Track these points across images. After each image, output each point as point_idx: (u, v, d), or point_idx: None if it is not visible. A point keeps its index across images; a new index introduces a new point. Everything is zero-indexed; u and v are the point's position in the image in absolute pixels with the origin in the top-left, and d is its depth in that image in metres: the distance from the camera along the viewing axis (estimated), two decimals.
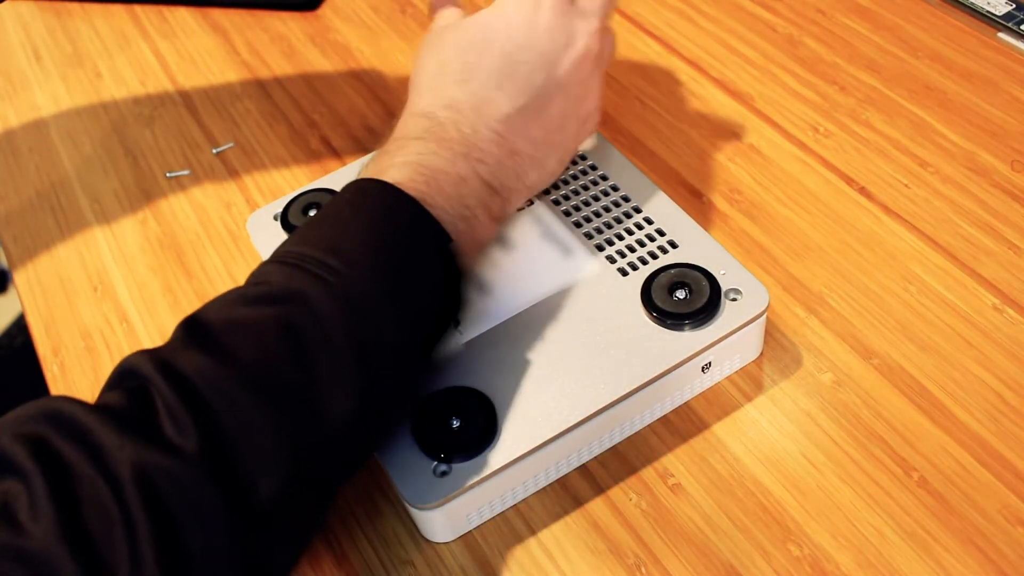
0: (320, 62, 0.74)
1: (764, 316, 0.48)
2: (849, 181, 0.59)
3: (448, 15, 0.52)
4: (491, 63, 0.48)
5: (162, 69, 0.76)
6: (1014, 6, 0.66)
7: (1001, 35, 0.65)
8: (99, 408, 0.36)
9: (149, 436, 0.35)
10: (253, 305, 0.40)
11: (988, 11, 0.66)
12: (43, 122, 0.74)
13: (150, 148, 0.70)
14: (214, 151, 0.68)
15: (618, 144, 0.63)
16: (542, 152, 0.49)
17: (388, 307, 0.41)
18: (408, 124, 0.48)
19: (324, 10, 0.79)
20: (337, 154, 0.67)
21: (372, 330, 0.41)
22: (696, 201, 0.59)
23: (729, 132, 0.63)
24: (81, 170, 0.69)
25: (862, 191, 0.58)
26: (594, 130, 0.53)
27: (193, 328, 0.39)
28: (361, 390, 0.40)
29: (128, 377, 0.38)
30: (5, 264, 0.75)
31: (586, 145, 0.55)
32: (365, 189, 0.45)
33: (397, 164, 0.45)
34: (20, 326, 1.31)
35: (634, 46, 0.70)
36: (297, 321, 0.39)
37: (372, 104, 0.70)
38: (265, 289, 0.41)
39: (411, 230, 0.44)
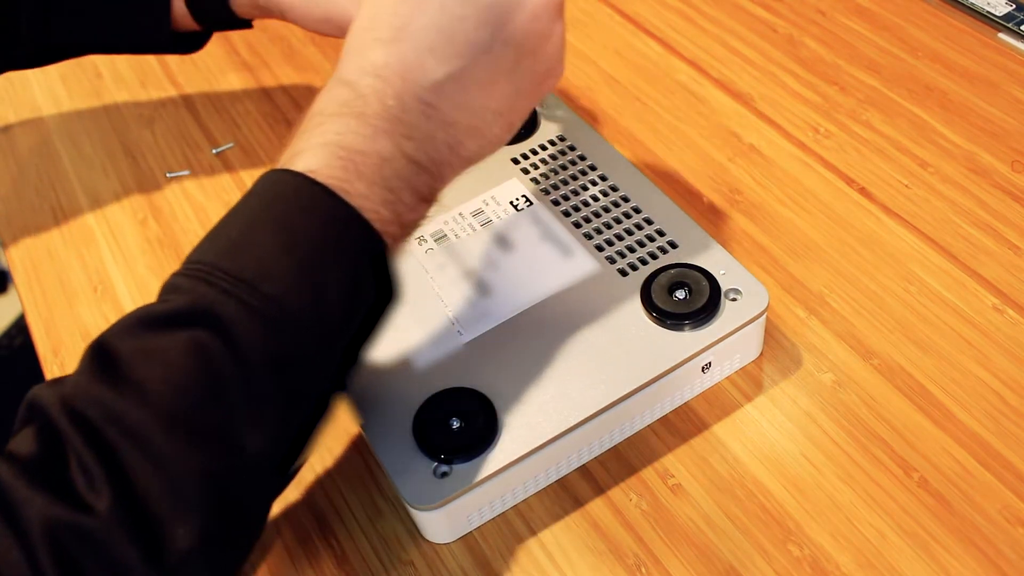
0: (320, 62, 0.74)
1: (764, 316, 0.48)
2: (849, 181, 0.59)
3: None
4: (426, 19, 0.42)
5: (162, 69, 0.76)
6: (1014, 6, 0.66)
7: (1001, 35, 0.65)
8: (10, 457, 0.34)
9: (60, 490, 0.33)
10: (163, 329, 0.37)
11: (988, 11, 0.66)
12: (43, 122, 0.74)
13: (150, 148, 0.70)
14: (214, 151, 0.68)
15: (618, 144, 0.63)
16: (484, 120, 0.44)
17: (309, 321, 0.38)
18: (328, 95, 0.42)
19: None
20: None
21: (292, 348, 0.38)
22: (696, 201, 0.59)
23: (729, 132, 0.63)
24: (81, 170, 0.69)
25: (862, 191, 0.58)
26: (551, 89, 0.47)
27: (101, 358, 0.36)
28: (283, 416, 0.37)
29: (36, 414, 0.36)
30: (5, 264, 0.75)
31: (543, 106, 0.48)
32: (276, 183, 0.40)
33: (312, 147, 0.41)
34: (20, 326, 1.31)
35: (634, 46, 0.70)
36: (209, 346, 0.36)
37: None
38: (175, 307, 0.37)
39: (329, 229, 0.40)
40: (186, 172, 0.67)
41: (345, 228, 0.40)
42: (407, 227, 0.43)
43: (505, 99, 0.44)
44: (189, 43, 0.64)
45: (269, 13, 0.60)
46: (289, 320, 0.37)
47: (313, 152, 0.40)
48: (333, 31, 0.57)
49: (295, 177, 0.40)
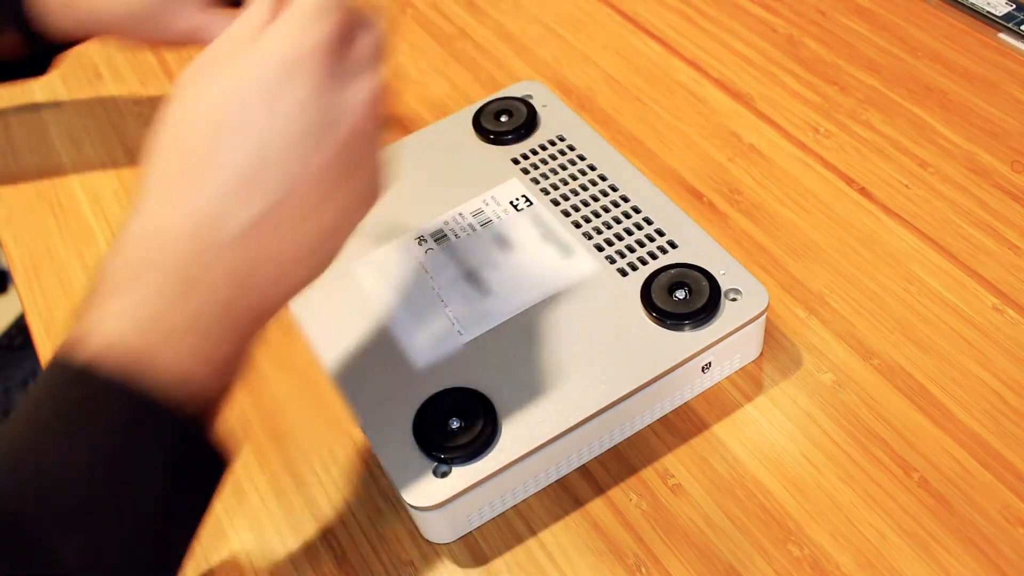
0: None
1: (764, 316, 0.48)
2: (849, 181, 0.59)
3: (216, 49, 0.40)
4: (226, 159, 0.38)
5: (162, 69, 0.76)
6: (1014, 6, 0.66)
7: (1001, 35, 0.65)
8: None
9: None
10: None
11: (988, 11, 0.66)
12: (43, 122, 0.74)
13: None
14: None
15: (618, 144, 0.63)
16: (303, 251, 0.40)
17: (117, 536, 0.36)
18: (127, 248, 0.38)
19: None
20: None
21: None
22: (696, 201, 0.59)
23: (729, 132, 0.63)
24: (81, 170, 0.69)
25: (862, 191, 0.58)
26: (374, 203, 0.43)
27: None
28: None
29: None
30: (5, 264, 0.75)
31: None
32: (62, 379, 0.37)
33: (111, 314, 0.37)
34: (20, 326, 1.31)
35: (634, 46, 0.70)
36: None
37: None
38: None
39: (128, 431, 0.36)
40: None
41: (147, 425, 0.37)
42: (231, 375, 0.40)
43: (313, 242, 0.40)
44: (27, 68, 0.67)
45: (90, 31, 0.62)
46: (104, 539, 0.35)
47: (112, 321, 0.37)
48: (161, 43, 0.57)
49: (83, 371, 0.36)
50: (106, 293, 0.38)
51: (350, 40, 0.41)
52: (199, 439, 0.39)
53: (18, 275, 0.64)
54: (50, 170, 0.70)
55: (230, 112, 0.39)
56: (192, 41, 0.62)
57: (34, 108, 0.75)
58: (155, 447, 0.37)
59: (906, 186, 0.58)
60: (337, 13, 0.40)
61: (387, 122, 0.42)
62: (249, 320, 0.40)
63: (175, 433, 0.37)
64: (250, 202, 0.38)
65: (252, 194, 0.38)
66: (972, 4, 0.67)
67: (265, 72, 0.39)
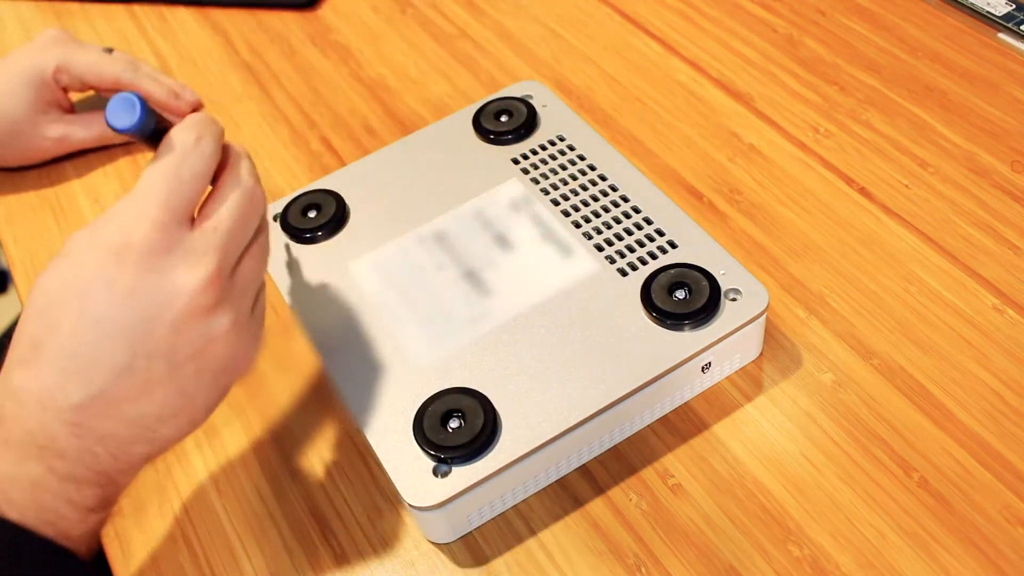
0: (320, 62, 0.74)
1: (764, 316, 0.48)
2: (849, 181, 0.59)
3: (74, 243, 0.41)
4: (58, 345, 0.40)
5: (162, 69, 0.76)
6: (1014, 6, 0.66)
7: (1001, 35, 0.65)
8: None
9: None
10: None
11: (988, 11, 0.66)
12: None
13: (147, 152, 0.70)
14: None
15: (618, 144, 0.63)
16: (147, 426, 0.41)
17: None
18: None
19: (324, 10, 0.79)
20: (337, 154, 0.67)
21: None
22: (696, 201, 0.59)
23: (729, 132, 0.63)
24: (81, 170, 0.69)
25: (862, 191, 0.58)
26: (247, 369, 0.44)
27: None
28: None
29: None
30: (5, 264, 0.75)
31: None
32: None
33: None
34: None
35: (634, 46, 0.70)
36: None
37: (372, 104, 0.70)
38: None
39: None
40: None
41: (15, 551, 0.38)
42: (79, 540, 0.41)
43: (168, 405, 0.41)
44: None
45: None
46: None
47: None
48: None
49: None
50: None
51: (183, 218, 0.41)
52: (71, 566, 0.40)
53: (18, 275, 0.64)
54: (50, 170, 0.70)
55: (67, 293, 0.40)
56: (62, 149, 0.68)
57: None
58: (28, 569, 0.39)
59: (906, 186, 0.58)
60: (161, 197, 0.41)
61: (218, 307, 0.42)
62: (88, 494, 0.41)
63: (49, 559, 0.39)
64: (84, 382, 0.40)
65: (84, 375, 0.40)
66: (972, 4, 0.67)
67: (97, 267, 0.40)
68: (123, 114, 0.40)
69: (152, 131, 0.41)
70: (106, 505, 0.42)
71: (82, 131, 0.68)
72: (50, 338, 0.40)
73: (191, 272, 0.41)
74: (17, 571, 0.39)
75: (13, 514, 0.39)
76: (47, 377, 0.40)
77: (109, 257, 0.40)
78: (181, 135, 0.42)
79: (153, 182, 0.41)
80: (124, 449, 0.41)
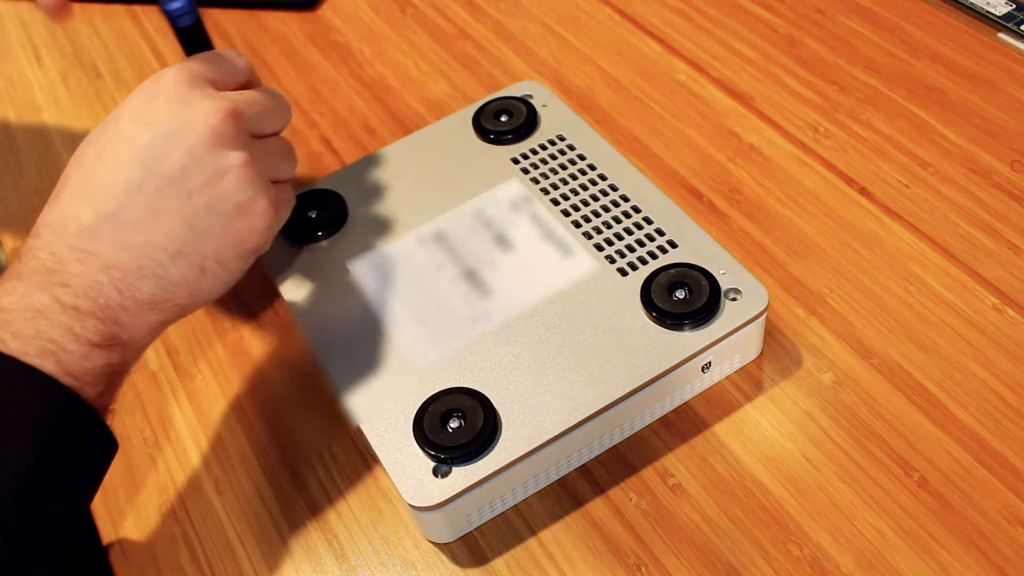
0: (320, 62, 0.74)
1: (764, 316, 0.48)
2: (849, 181, 0.59)
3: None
4: (80, 172, 0.43)
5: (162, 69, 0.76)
6: (1014, 6, 0.66)
7: (1001, 35, 0.65)
8: None
9: None
10: None
11: (988, 11, 0.66)
12: (43, 122, 0.74)
13: None
14: None
15: (618, 144, 0.63)
16: (155, 259, 0.42)
17: None
18: (13, 261, 0.43)
19: (324, 10, 0.79)
20: (337, 154, 0.67)
21: None
22: (696, 201, 0.59)
23: (729, 132, 0.63)
24: None
25: (862, 191, 0.58)
26: (263, 226, 0.45)
27: None
28: None
29: None
30: (5, 264, 0.75)
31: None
32: None
33: None
34: None
35: (634, 46, 0.70)
36: None
37: (372, 104, 0.70)
38: None
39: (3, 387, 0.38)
40: None
41: (18, 383, 0.38)
42: (83, 377, 0.40)
43: (177, 238, 0.42)
44: None
45: None
46: None
47: None
48: None
49: None
50: None
51: (211, 83, 0.46)
52: (74, 405, 0.40)
53: None
54: (50, 170, 0.70)
55: (101, 132, 0.44)
56: None
57: (34, 108, 0.75)
58: (14, 402, 0.38)
59: (906, 186, 0.58)
60: (194, 62, 0.46)
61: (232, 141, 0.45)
62: (89, 326, 0.41)
63: (34, 388, 0.39)
64: (95, 204, 0.42)
65: (96, 197, 0.42)
66: (972, 4, 0.67)
67: (129, 107, 0.44)
68: None
69: (193, 27, 0.50)
70: (110, 344, 0.41)
71: None
72: (74, 171, 0.43)
73: (211, 103, 0.44)
74: (11, 405, 0.38)
75: (15, 344, 0.39)
76: (65, 207, 0.42)
77: (141, 98, 0.44)
78: (222, 50, 0.49)
79: (193, 60, 0.46)
80: (129, 283, 0.42)
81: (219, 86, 0.46)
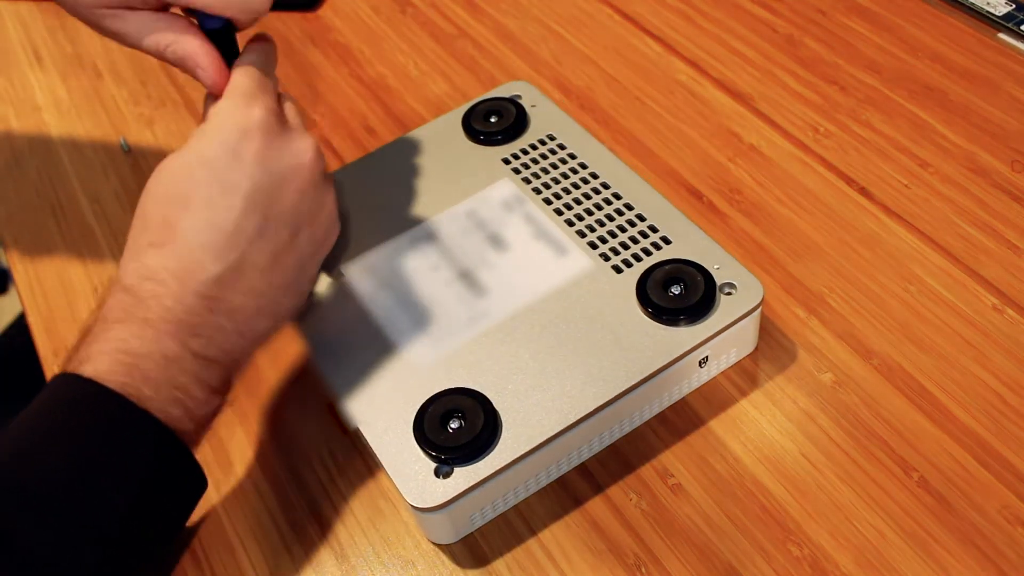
0: (320, 62, 0.74)
1: (759, 310, 0.49)
2: (849, 181, 0.59)
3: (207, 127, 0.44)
4: (192, 219, 0.42)
5: (162, 69, 0.76)
6: (1014, 6, 0.66)
7: (1001, 35, 0.65)
8: None
9: None
10: None
11: (988, 11, 0.66)
12: (43, 122, 0.74)
13: (150, 148, 0.70)
14: None
15: (618, 144, 0.63)
16: (272, 298, 0.44)
17: (100, 530, 0.39)
18: (112, 300, 0.43)
19: (324, 10, 0.79)
20: (337, 154, 0.67)
21: (86, 556, 0.39)
22: (696, 201, 0.59)
23: (729, 132, 0.63)
24: (81, 170, 0.69)
25: (862, 191, 0.58)
26: (332, 244, 0.48)
27: None
28: None
29: None
30: (5, 264, 0.75)
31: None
32: (64, 388, 0.41)
33: (97, 353, 0.41)
34: (20, 326, 1.31)
35: (634, 46, 0.70)
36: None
37: (372, 104, 0.70)
38: None
39: (113, 428, 0.40)
40: None
41: (135, 432, 0.40)
42: (201, 421, 0.43)
43: (290, 272, 0.45)
44: None
45: None
46: (78, 532, 0.38)
47: (98, 359, 0.41)
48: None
49: (82, 383, 0.40)
50: (96, 333, 0.42)
51: (280, 110, 0.47)
52: (178, 451, 0.42)
53: (18, 275, 0.64)
54: (50, 170, 0.70)
55: (195, 172, 0.43)
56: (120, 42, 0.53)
57: (34, 108, 0.75)
58: (135, 451, 0.40)
59: (906, 186, 0.58)
60: (269, 89, 0.46)
61: (326, 176, 0.48)
62: (213, 374, 0.43)
63: (155, 441, 0.41)
64: (220, 254, 0.42)
65: (220, 247, 0.42)
66: (972, 4, 0.67)
67: (223, 143, 0.43)
68: None
69: (223, 28, 0.48)
70: (226, 388, 0.44)
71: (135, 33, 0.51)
72: (182, 215, 0.42)
73: (306, 141, 0.45)
74: (133, 454, 0.40)
75: (147, 390, 0.40)
76: (184, 253, 0.42)
77: (234, 134, 0.43)
78: (254, 55, 0.48)
79: (252, 84, 0.46)
80: (250, 324, 0.43)
81: (279, 103, 0.47)
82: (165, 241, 0.42)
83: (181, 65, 0.47)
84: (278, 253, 0.44)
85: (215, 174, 0.42)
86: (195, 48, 0.46)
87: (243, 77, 0.46)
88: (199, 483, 0.44)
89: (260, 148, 0.43)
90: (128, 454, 0.40)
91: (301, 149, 0.45)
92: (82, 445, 0.40)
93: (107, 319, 0.42)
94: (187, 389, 0.42)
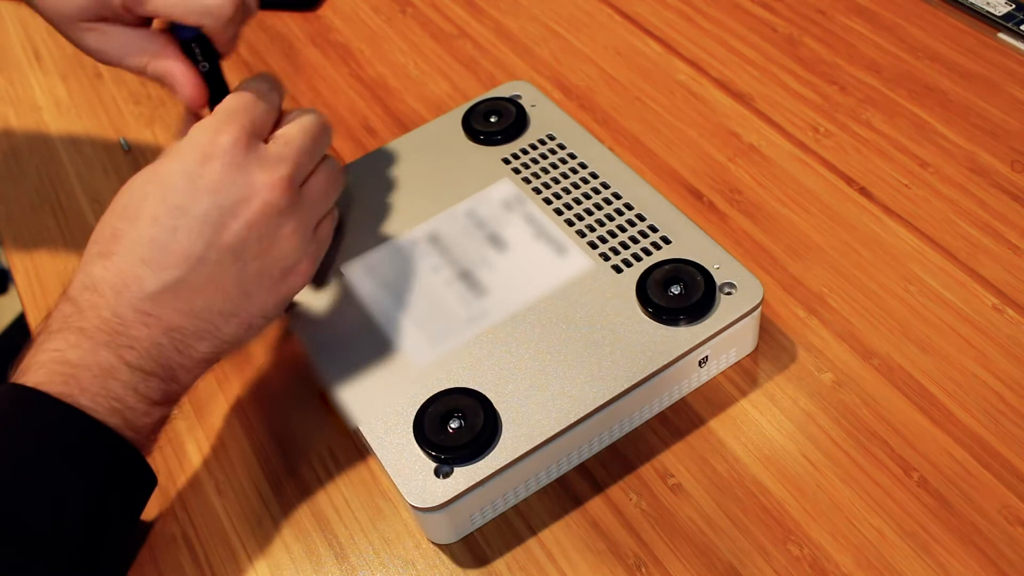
0: (320, 62, 0.74)
1: (759, 309, 0.49)
2: (849, 181, 0.59)
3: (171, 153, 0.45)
4: (138, 233, 0.43)
5: None
6: (1014, 6, 0.66)
7: (1001, 35, 0.65)
8: None
9: None
10: None
11: (988, 11, 0.66)
12: (43, 122, 0.74)
13: (150, 148, 0.70)
14: None
15: (618, 144, 0.63)
16: (214, 322, 0.44)
17: (48, 535, 0.40)
18: (56, 311, 0.44)
19: (324, 10, 0.79)
20: (337, 154, 0.67)
21: (32, 557, 0.40)
22: (696, 201, 0.59)
23: (729, 132, 0.63)
24: (81, 170, 0.69)
25: (862, 191, 0.58)
26: (303, 283, 0.48)
27: None
28: None
29: None
30: (5, 264, 0.75)
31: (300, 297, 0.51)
32: (2, 399, 0.42)
33: (36, 363, 0.42)
34: (20, 326, 1.31)
35: (634, 46, 0.70)
36: None
37: (372, 104, 0.70)
38: None
39: (54, 432, 0.41)
40: None
41: (77, 434, 0.41)
42: (143, 431, 0.44)
43: (232, 302, 0.45)
44: None
45: None
46: (27, 536, 0.39)
47: (37, 369, 0.42)
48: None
49: (20, 391, 0.41)
50: (40, 343, 0.43)
51: (260, 136, 0.46)
52: (125, 450, 0.43)
53: (18, 275, 0.64)
54: (50, 170, 0.70)
55: (151, 189, 0.44)
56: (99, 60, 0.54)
57: (34, 108, 0.75)
58: (79, 454, 0.41)
59: (906, 186, 0.58)
60: (254, 115, 0.46)
61: (329, 193, 0.49)
62: (152, 386, 0.43)
63: (104, 446, 0.42)
64: (160, 270, 0.43)
65: (160, 264, 0.43)
66: (972, 4, 0.67)
67: (182, 164, 0.44)
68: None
69: (197, 38, 0.49)
70: (168, 400, 0.45)
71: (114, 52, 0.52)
72: (129, 228, 0.43)
73: (268, 173, 0.45)
74: (79, 455, 0.41)
75: (85, 400, 0.41)
76: (124, 267, 0.43)
77: (195, 157, 0.44)
78: (255, 82, 0.48)
79: (234, 106, 0.46)
80: (188, 344, 0.44)
81: (266, 131, 0.47)
82: (110, 252, 0.43)
83: (160, 82, 0.48)
84: (219, 280, 0.44)
85: (166, 194, 0.43)
86: (171, 66, 0.48)
87: (230, 100, 0.47)
88: (148, 481, 0.45)
89: (216, 176, 0.44)
90: (72, 457, 0.41)
91: (260, 183, 0.44)
92: (26, 452, 0.41)
93: (50, 328, 0.43)
94: (124, 400, 0.42)
